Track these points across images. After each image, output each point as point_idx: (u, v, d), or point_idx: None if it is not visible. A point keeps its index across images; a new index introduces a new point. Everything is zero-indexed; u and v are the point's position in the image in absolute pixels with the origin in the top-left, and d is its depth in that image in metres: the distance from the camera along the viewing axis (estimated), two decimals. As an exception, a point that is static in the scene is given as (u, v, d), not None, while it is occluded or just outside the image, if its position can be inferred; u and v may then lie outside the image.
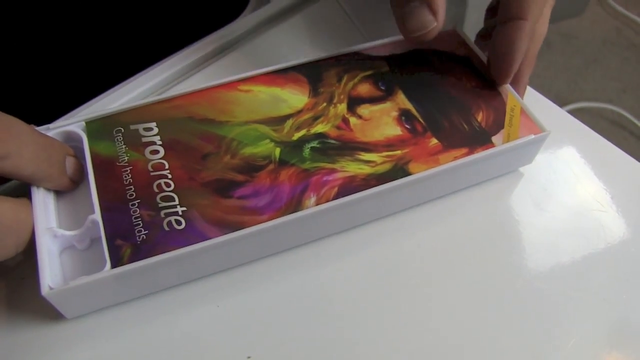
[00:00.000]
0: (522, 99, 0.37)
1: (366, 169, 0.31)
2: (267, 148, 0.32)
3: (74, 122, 0.32)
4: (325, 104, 0.34)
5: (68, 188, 0.30)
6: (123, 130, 0.32)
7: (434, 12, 0.32)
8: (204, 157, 0.31)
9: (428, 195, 0.34)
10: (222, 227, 0.28)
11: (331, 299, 0.31)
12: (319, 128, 0.33)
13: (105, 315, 0.29)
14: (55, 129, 0.31)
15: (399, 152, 0.32)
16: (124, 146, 0.31)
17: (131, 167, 0.30)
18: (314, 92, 0.34)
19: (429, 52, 0.37)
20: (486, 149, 0.32)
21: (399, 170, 0.31)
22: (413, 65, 0.36)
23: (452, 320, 0.30)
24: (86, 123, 0.32)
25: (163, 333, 0.29)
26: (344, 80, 0.35)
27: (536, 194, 0.36)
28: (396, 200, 0.33)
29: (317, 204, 0.29)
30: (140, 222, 0.28)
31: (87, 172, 0.30)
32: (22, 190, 0.29)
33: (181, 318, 0.29)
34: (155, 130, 0.32)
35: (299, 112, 0.33)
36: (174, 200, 0.29)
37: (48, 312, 0.28)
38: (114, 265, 0.27)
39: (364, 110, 0.34)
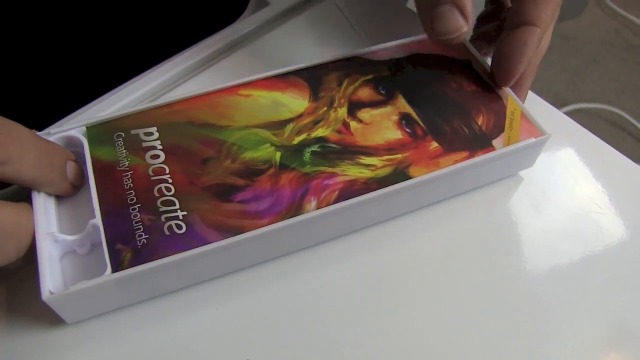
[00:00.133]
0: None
1: (367, 173, 0.31)
2: (267, 152, 0.32)
3: (74, 127, 0.31)
4: (325, 108, 0.34)
5: (69, 193, 0.30)
6: (124, 135, 0.32)
7: (465, 16, 0.32)
8: (205, 162, 0.31)
9: (428, 199, 0.34)
10: (223, 232, 0.28)
11: (331, 303, 0.31)
12: (320, 132, 0.33)
13: (105, 320, 0.29)
14: (56, 134, 0.31)
15: (399, 155, 0.32)
16: (124, 151, 0.31)
17: (132, 172, 0.30)
18: (315, 96, 0.34)
19: (428, 56, 0.37)
20: (487, 152, 0.32)
21: (399, 174, 0.31)
22: (413, 69, 0.36)
23: (452, 323, 0.30)
24: (87, 128, 0.32)
25: (163, 337, 0.29)
26: (344, 85, 0.35)
27: (535, 196, 0.36)
28: (397, 204, 0.33)
29: (317, 208, 0.29)
30: (140, 226, 0.28)
31: (87, 177, 0.30)
32: (22, 195, 0.29)
33: (181, 322, 0.29)
34: (156, 135, 0.32)
35: (300, 116, 0.33)
36: (175, 205, 0.29)
37: (48, 317, 0.28)
38: (114, 270, 0.27)
39: (365, 114, 0.34)
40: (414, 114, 0.34)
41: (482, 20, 0.41)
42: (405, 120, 0.34)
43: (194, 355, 0.28)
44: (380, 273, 0.32)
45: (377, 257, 0.32)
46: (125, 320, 0.29)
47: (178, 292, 0.30)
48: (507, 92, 0.35)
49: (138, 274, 0.27)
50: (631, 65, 1.40)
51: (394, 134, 0.33)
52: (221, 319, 0.30)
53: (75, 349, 0.28)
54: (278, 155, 0.31)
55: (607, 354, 0.30)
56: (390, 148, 0.32)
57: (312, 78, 0.35)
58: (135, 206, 0.29)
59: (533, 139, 0.33)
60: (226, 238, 0.28)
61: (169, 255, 0.27)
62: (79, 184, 0.30)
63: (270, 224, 0.29)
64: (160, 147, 0.31)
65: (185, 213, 0.29)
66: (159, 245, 0.28)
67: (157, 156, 0.31)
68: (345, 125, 0.33)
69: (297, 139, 0.32)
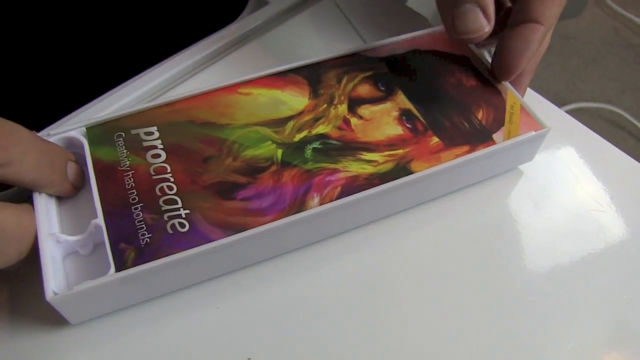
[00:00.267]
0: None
1: (368, 169, 0.31)
2: (268, 150, 0.32)
3: (74, 128, 0.31)
4: (325, 105, 0.34)
5: (70, 194, 0.30)
6: (124, 135, 0.32)
7: (487, 17, 0.32)
8: (206, 160, 0.31)
9: (430, 194, 0.34)
10: (226, 229, 0.28)
11: (334, 300, 0.30)
12: (320, 129, 0.33)
13: (108, 320, 0.29)
14: (55, 135, 0.31)
15: (400, 151, 0.32)
16: (125, 151, 0.31)
17: (133, 172, 0.30)
18: (314, 93, 0.34)
19: (428, 52, 0.37)
20: (487, 146, 0.32)
21: (401, 169, 0.31)
22: (412, 65, 0.36)
23: (452, 320, 0.30)
24: (87, 129, 0.32)
25: (165, 336, 0.29)
26: (343, 82, 0.35)
27: (535, 194, 0.36)
28: (399, 199, 0.33)
29: (320, 204, 0.29)
30: (143, 225, 0.28)
31: (88, 178, 0.30)
32: (23, 197, 0.29)
33: (182, 321, 0.29)
34: (156, 134, 0.32)
35: (300, 113, 0.33)
36: (177, 204, 0.29)
37: (51, 318, 0.28)
38: (118, 269, 0.27)
39: (365, 110, 0.34)
40: (414, 110, 0.34)
41: None
42: (405, 115, 0.34)
43: (196, 353, 0.28)
44: (382, 268, 0.32)
45: (378, 253, 0.32)
46: (128, 320, 0.29)
47: (179, 291, 0.30)
48: (507, 86, 0.35)
49: (142, 273, 0.27)
50: (631, 65, 1.40)
51: (395, 130, 0.33)
52: (222, 318, 0.30)
53: (79, 349, 0.28)
54: (279, 152, 0.31)
55: (608, 352, 0.30)
56: (391, 144, 0.32)
57: (311, 75, 0.35)
58: (138, 205, 0.29)
59: (533, 132, 0.33)
60: (229, 236, 0.28)
61: (173, 253, 0.27)
62: (80, 184, 0.30)
63: (273, 221, 0.29)
64: (161, 146, 0.31)
65: (187, 211, 0.29)
66: (162, 243, 0.28)
67: (158, 155, 0.31)
68: (346, 121, 0.33)
69: (298, 136, 0.32)
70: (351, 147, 0.32)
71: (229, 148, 0.31)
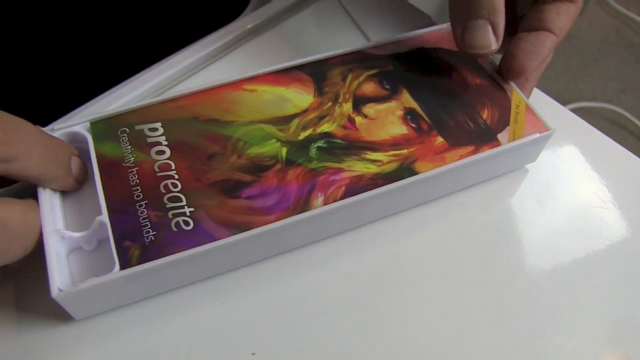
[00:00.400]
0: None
1: (373, 169, 0.31)
2: (273, 148, 0.31)
3: (78, 123, 0.31)
4: (330, 104, 0.34)
5: (73, 188, 0.30)
6: (128, 131, 0.31)
7: (496, 35, 0.33)
8: (210, 158, 0.31)
9: (434, 194, 0.34)
10: (230, 228, 0.28)
11: (337, 297, 0.30)
12: (325, 127, 0.33)
13: (113, 315, 0.29)
14: (60, 130, 0.31)
15: (405, 151, 0.32)
16: (129, 147, 0.31)
17: (137, 168, 0.30)
18: (319, 91, 0.34)
19: (433, 51, 0.37)
20: (492, 147, 0.32)
21: (405, 170, 0.31)
22: (417, 64, 0.36)
23: (454, 318, 0.30)
24: (91, 124, 0.32)
25: (169, 332, 0.29)
26: (348, 80, 0.35)
27: (538, 191, 0.36)
28: (403, 199, 0.33)
29: (324, 204, 0.29)
30: (147, 223, 0.28)
31: (93, 173, 0.30)
32: (28, 192, 0.29)
33: (186, 317, 0.29)
34: (161, 130, 0.32)
35: (305, 111, 0.33)
36: (182, 201, 0.29)
37: (56, 313, 0.28)
38: (122, 267, 0.27)
39: (370, 109, 0.34)
40: (418, 109, 0.34)
41: None
42: (410, 115, 0.34)
43: (200, 349, 0.28)
44: (386, 267, 0.32)
45: (382, 252, 0.32)
46: (133, 315, 0.29)
47: (183, 287, 0.30)
48: (512, 85, 0.35)
49: (146, 271, 0.27)
50: (632, 64, 1.40)
51: (399, 129, 0.33)
52: (226, 314, 0.30)
53: (83, 344, 0.28)
54: (284, 150, 0.31)
55: (611, 350, 0.30)
56: (395, 143, 0.32)
57: (316, 73, 0.35)
58: (142, 203, 0.29)
59: (538, 134, 0.33)
60: (234, 234, 0.28)
61: (177, 251, 0.27)
62: (83, 179, 0.30)
63: (277, 220, 0.29)
64: (166, 142, 0.31)
65: (192, 209, 0.29)
66: (166, 241, 0.28)
67: (162, 152, 0.31)
68: (351, 120, 0.33)
69: (302, 135, 0.32)
70: (356, 147, 0.32)
71: (234, 145, 0.31)
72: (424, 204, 0.34)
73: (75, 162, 0.30)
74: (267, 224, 0.28)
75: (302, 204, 0.29)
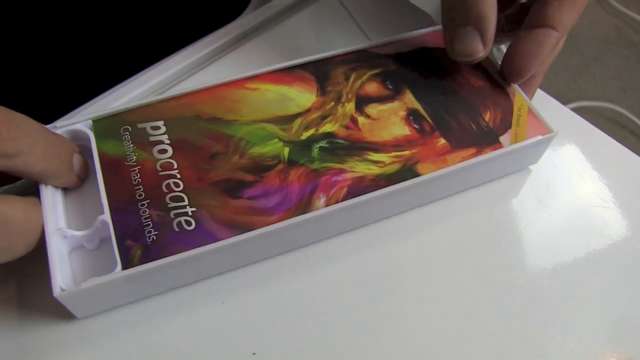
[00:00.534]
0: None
1: (375, 170, 0.31)
2: (275, 148, 0.31)
3: (80, 121, 0.31)
4: (333, 103, 0.34)
5: (75, 185, 0.30)
6: (130, 129, 0.31)
7: (484, 42, 0.33)
8: (212, 157, 0.31)
9: (436, 195, 0.34)
10: (232, 228, 0.28)
11: (339, 298, 0.31)
12: (328, 127, 0.33)
13: (115, 314, 0.29)
14: (62, 127, 0.31)
15: (407, 152, 0.32)
16: (131, 145, 0.31)
17: (139, 167, 0.30)
18: (322, 90, 0.34)
19: (436, 51, 0.37)
20: (494, 149, 0.32)
21: (407, 171, 0.31)
22: (420, 64, 0.36)
23: (455, 318, 0.30)
24: (93, 122, 0.32)
25: (170, 330, 0.29)
26: (351, 79, 0.35)
27: (539, 190, 0.36)
28: (404, 200, 0.33)
29: (326, 205, 0.29)
30: (150, 222, 0.28)
31: (95, 172, 0.30)
32: (30, 190, 0.29)
33: (187, 316, 0.29)
34: (163, 129, 0.32)
35: (307, 111, 0.33)
36: (184, 201, 0.29)
37: (58, 312, 0.28)
38: (124, 267, 0.27)
39: (372, 109, 0.34)
40: (421, 110, 0.34)
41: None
42: (412, 115, 0.34)
43: (201, 348, 0.28)
44: (388, 267, 0.32)
45: (384, 252, 0.32)
46: (134, 314, 0.29)
47: (184, 286, 0.30)
48: (515, 88, 0.35)
49: (148, 271, 0.27)
50: (632, 63, 1.40)
51: (402, 130, 0.33)
52: (227, 313, 0.30)
53: (85, 343, 0.28)
54: (286, 150, 0.31)
55: (612, 349, 0.30)
56: (398, 144, 0.32)
57: (319, 72, 0.35)
58: (144, 202, 0.29)
59: (540, 137, 0.33)
60: (236, 235, 0.28)
61: (179, 252, 0.27)
62: (84, 176, 0.30)
63: (279, 220, 0.29)
64: (168, 141, 0.31)
65: (194, 209, 0.29)
66: (168, 241, 0.28)
67: (164, 151, 0.31)
68: (353, 120, 0.33)
69: (305, 135, 0.32)
70: (358, 147, 0.32)
71: (236, 145, 0.31)
72: (425, 204, 0.34)
73: (77, 159, 0.30)
74: (269, 224, 0.28)
75: (304, 205, 0.29)
